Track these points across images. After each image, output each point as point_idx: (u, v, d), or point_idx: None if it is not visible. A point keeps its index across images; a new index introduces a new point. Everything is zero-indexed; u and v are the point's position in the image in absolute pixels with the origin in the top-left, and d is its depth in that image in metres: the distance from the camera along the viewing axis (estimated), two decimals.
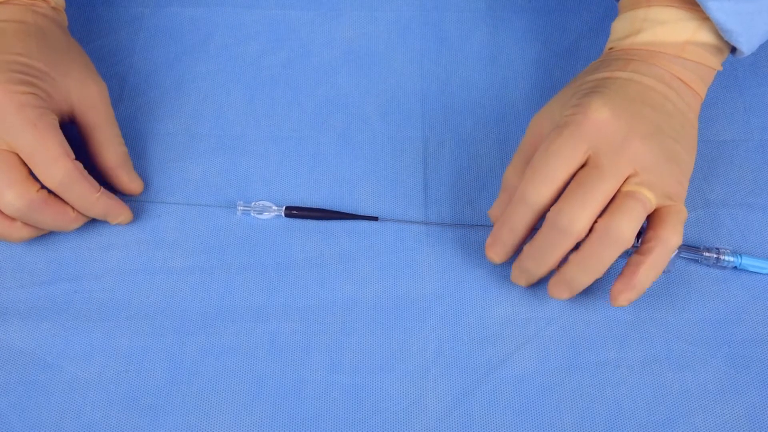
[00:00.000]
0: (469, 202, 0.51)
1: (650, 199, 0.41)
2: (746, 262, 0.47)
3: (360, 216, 0.50)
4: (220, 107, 0.55)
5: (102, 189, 0.47)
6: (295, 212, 0.50)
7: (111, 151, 0.49)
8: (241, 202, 0.50)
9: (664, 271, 0.46)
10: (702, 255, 0.47)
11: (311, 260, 0.49)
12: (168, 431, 0.43)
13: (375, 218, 0.50)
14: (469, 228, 0.50)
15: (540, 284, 0.47)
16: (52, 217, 0.45)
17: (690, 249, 0.47)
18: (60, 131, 0.45)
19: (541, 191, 0.42)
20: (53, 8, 0.50)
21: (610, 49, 0.48)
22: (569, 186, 0.42)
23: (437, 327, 0.46)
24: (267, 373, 0.45)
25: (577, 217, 0.41)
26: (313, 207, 0.50)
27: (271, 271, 0.48)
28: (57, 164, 0.43)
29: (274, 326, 0.46)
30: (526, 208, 0.43)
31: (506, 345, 0.45)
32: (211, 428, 0.43)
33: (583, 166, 0.42)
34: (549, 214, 0.42)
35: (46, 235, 0.49)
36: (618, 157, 0.41)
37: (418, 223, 0.50)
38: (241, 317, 0.46)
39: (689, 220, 0.49)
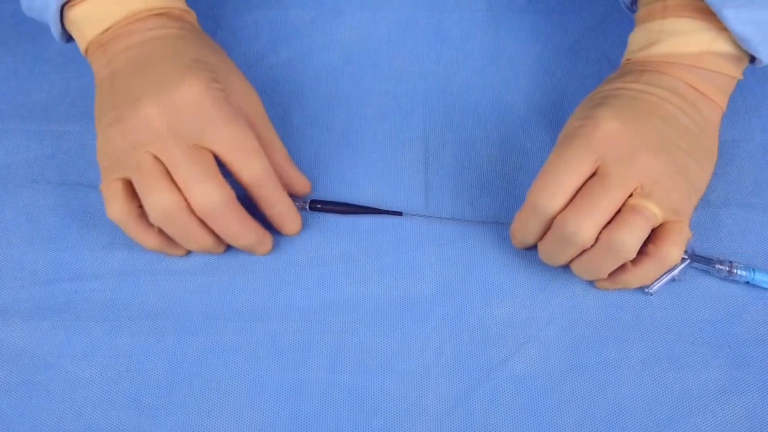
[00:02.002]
0: (470, 201, 0.51)
1: (655, 214, 0.41)
2: (759, 277, 0.47)
3: (384, 211, 0.50)
4: None
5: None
6: (319, 206, 0.50)
7: (277, 151, 0.48)
8: None
9: (675, 280, 0.46)
10: (714, 267, 0.47)
11: (312, 260, 0.49)
12: (169, 431, 0.43)
13: (399, 213, 0.50)
14: (470, 229, 0.50)
15: (541, 285, 0.47)
16: (238, 220, 0.44)
17: (703, 260, 0.47)
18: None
19: (551, 200, 0.42)
20: (193, 20, 0.50)
21: (627, 60, 0.48)
22: (577, 196, 0.42)
23: (438, 327, 0.46)
24: (268, 373, 0.45)
25: (582, 227, 0.41)
26: (338, 201, 0.50)
27: (272, 271, 0.48)
28: (257, 156, 0.43)
29: (276, 326, 0.46)
30: (536, 216, 0.43)
31: (507, 345, 0.45)
32: (212, 428, 0.43)
33: (592, 176, 0.42)
34: (556, 221, 0.42)
35: (46, 235, 0.49)
36: (625, 169, 0.41)
37: (422, 216, 0.50)
38: (243, 317, 0.46)
39: (690, 219, 0.49)
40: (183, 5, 0.48)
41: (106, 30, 0.45)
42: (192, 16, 0.49)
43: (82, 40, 0.46)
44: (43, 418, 0.43)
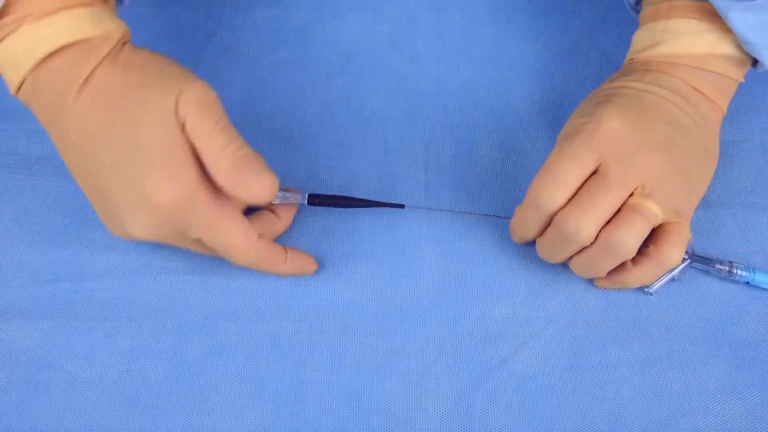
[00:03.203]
0: (470, 201, 0.51)
1: (656, 214, 0.41)
2: (759, 278, 0.47)
3: (386, 204, 0.49)
4: None
5: (288, 251, 0.45)
6: (317, 200, 0.48)
7: (227, 155, 0.42)
8: None
9: (674, 280, 0.46)
10: (714, 267, 0.47)
11: None
12: (169, 431, 0.43)
13: (401, 206, 0.49)
14: (469, 229, 0.50)
15: (541, 284, 0.47)
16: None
17: (703, 260, 0.47)
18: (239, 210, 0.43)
19: (551, 196, 0.42)
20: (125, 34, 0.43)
21: (630, 60, 0.48)
22: (577, 194, 0.42)
23: (438, 327, 0.46)
24: (268, 373, 0.45)
25: (582, 226, 0.41)
26: (335, 195, 0.49)
27: None
28: (248, 249, 0.43)
29: (275, 326, 0.46)
30: (536, 211, 0.43)
31: (507, 345, 0.45)
32: (212, 428, 0.43)
33: (593, 174, 0.42)
34: (556, 219, 0.42)
35: (47, 235, 0.49)
36: (626, 168, 0.41)
37: (425, 209, 0.50)
38: (242, 317, 0.46)
39: (690, 219, 0.49)
40: (110, 23, 0.41)
41: (32, 71, 0.39)
42: (123, 28, 0.42)
43: (10, 85, 0.41)
44: (44, 418, 0.43)
